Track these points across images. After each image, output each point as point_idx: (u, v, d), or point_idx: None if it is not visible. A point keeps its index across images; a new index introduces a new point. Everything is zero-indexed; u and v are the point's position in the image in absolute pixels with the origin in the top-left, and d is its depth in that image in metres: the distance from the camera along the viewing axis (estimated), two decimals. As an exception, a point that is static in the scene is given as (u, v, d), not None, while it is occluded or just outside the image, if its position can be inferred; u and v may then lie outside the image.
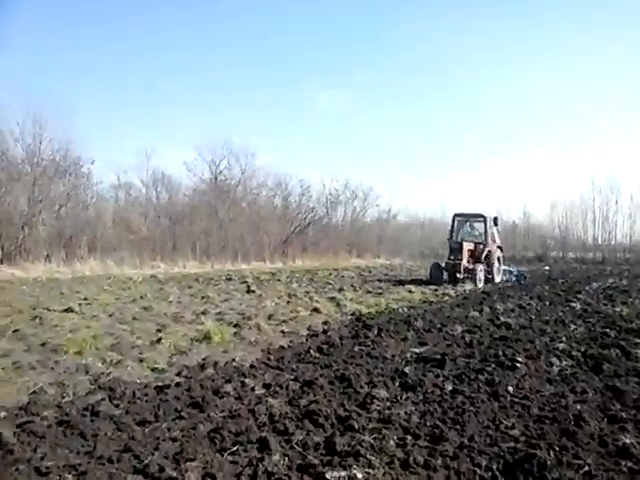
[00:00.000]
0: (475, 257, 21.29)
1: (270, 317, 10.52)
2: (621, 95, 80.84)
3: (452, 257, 20.87)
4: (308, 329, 9.43)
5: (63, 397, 5.05)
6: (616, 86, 79.08)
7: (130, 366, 6.24)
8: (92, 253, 25.03)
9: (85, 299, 12.42)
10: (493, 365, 6.92)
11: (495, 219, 22.27)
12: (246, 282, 18.88)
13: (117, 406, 4.80)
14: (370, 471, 3.64)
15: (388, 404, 5.24)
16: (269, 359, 7.09)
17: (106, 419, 4.47)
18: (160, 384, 5.63)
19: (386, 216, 50.19)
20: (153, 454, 3.83)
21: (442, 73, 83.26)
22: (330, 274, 25.28)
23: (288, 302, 13.27)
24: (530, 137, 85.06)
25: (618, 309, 12.63)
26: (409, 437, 4.35)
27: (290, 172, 53.33)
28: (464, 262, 20.46)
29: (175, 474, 3.50)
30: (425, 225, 54.39)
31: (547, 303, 14.24)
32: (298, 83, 78.62)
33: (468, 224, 22.79)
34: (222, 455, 3.89)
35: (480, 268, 20.36)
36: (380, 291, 16.73)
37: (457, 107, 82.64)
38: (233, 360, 6.84)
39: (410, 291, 16.60)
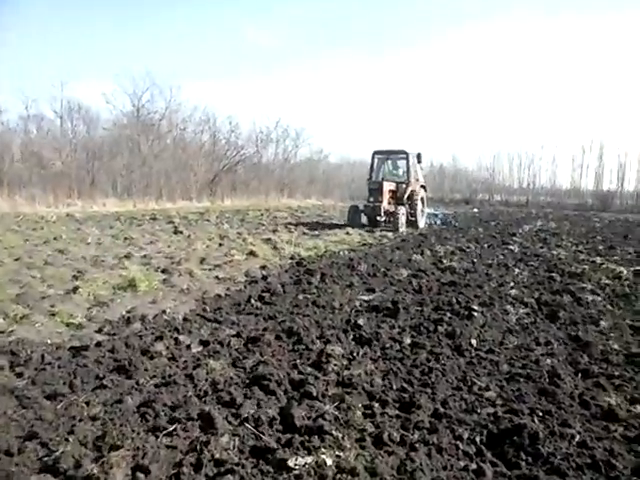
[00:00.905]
0: (397, 198, 19.32)
1: (202, 261, 9.63)
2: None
3: (372, 199, 18.66)
4: (246, 275, 8.65)
5: (-51, 366, 4.07)
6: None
7: (39, 322, 5.26)
8: (-3, 189, 22.75)
9: (-12, 240, 11.00)
10: (449, 314, 6.51)
11: (419, 155, 20.11)
12: (173, 222, 17.70)
13: (20, 375, 3.90)
14: (340, 454, 3.01)
15: (345, 362, 4.64)
16: (205, 310, 6.31)
17: (5, 394, 3.57)
18: (77, 344, 4.73)
19: (318, 156, 49.17)
20: (67, 440, 3.02)
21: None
22: (262, 214, 24.37)
23: (220, 244, 12.37)
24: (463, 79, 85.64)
25: (555, 252, 12.68)
26: (376, 404, 3.77)
27: (218, 109, 50.96)
28: (384, 204, 18.41)
29: (95, 470, 2.72)
30: (356, 166, 53.82)
31: (485, 246, 14.17)
32: (221, 13, 74.48)
33: (389, 162, 20.79)
34: (156, 437, 3.14)
35: (402, 211, 18.34)
36: (317, 233, 16.08)
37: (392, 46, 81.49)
38: (163, 312, 6.00)
39: (347, 233, 16.04)
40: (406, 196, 19.40)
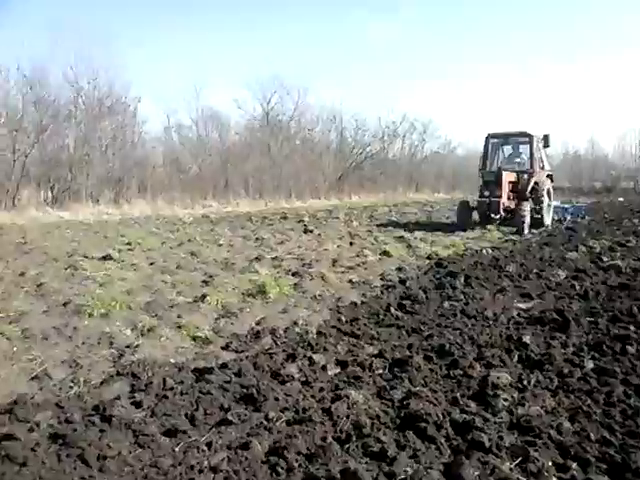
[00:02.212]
0: (518, 192, 15.69)
1: (334, 263, 9.01)
2: None
3: (487, 193, 15.12)
4: (381, 278, 7.88)
5: (70, 387, 3.73)
6: None
7: (165, 335, 4.87)
8: (142, 194, 24.10)
9: (128, 244, 11.25)
10: (633, 328, 5.26)
11: (545, 138, 16.38)
12: (302, 221, 17.44)
13: (139, 405, 3.42)
14: None
15: (516, 395, 3.69)
16: (340, 321, 5.62)
17: (121, 428, 3.10)
18: (201, 364, 4.23)
19: (445, 150, 47.32)
20: (183, 501, 2.44)
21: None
22: (390, 210, 23.55)
23: (351, 243, 11.74)
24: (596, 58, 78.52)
25: None
26: (573, 465, 2.82)
27: (344, 107, 51.26)
28: (504, 198, 14.91)
29: None
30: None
31: (650, 240, 12.22)
32: (345, 14, 74.35)
33: (507, 147, 17.25)
34: (289, 504, 2.47)
35: (527, 208, 14.67)
36: (452, 229, 14.91)
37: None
38: (295, 324, 5.40)
39: (487, 229, 14.67)
40: (529, 188, 15.68)
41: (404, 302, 6.36)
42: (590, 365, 4.31)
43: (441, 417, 3.27)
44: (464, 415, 3.34)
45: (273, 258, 9.47)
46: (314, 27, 73.04)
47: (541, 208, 15.66)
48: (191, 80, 62.50)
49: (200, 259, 9.42)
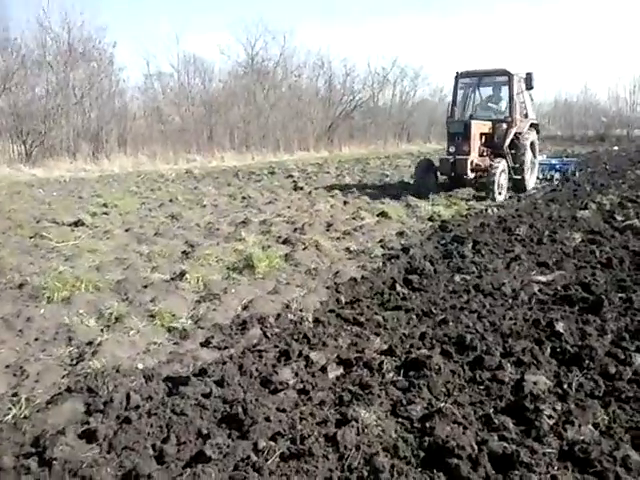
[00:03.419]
0: (493, 146, 12.32)
1: (328, 227, 8.23)
2: None
3: (453, 148, 11.69)
4: (382, 245, 7.14)
5: (9, 409, 2.97)
6: None
7: (135, 327, 4.11)
8: (122, 147, 22.88)
9: (104, 205, 10.37)
10: (675, 306, 4.60)
11: (528, 78, 12.55)
12: (292, 176, 16.53)
13: (92, 436, 2.69)
14: None
15: (559, 407, 3.01)
16: (339, 303, 4.90)
17: (65, 475, 2.39)
18: (175, 369, 3.50)
19: (435, 97, 45.80)
20: None
21: None
22: (383, 163, 22.64)
23: (345, 202, 10.93)
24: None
25: None
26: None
27: (332, 51, 49.67)
28: (473, 155, 11.60)
29: None
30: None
31: (660, 195, 11.54)
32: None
33: (481, 90, 13.54)
34: None
35: (501, 167, 11.54)
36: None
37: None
38: (287, 307, 4.68)
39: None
40: (507, 142, 12.32)
41: (410, 277, 5.62)
42: (639, 361, 3.65)
43: (476, 448, 2.59)
44: (503, 443, 2.65)
45: (261, 222, 8.66)
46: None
47: (522, 167, 12.44)
48: (170, 23, 59.62)
49: (181, 223, 8.60)
